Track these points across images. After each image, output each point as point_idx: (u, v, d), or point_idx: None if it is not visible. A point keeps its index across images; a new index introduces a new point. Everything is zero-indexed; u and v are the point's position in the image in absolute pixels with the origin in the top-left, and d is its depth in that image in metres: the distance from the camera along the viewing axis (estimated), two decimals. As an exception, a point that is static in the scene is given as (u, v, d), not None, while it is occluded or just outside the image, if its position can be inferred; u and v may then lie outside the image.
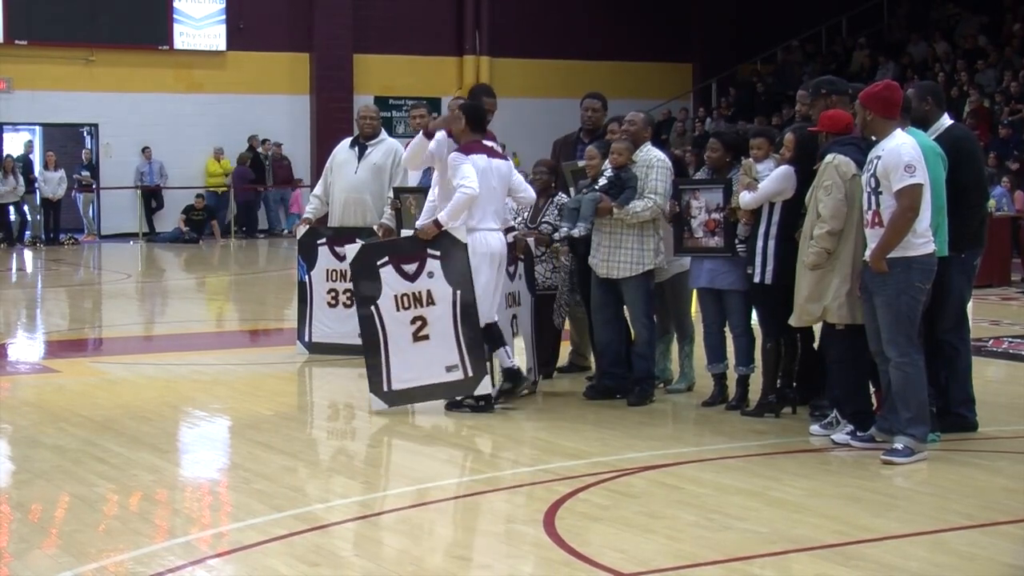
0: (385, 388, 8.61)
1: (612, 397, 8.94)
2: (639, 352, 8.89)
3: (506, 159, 8.87)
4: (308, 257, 10.95)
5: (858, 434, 7.51)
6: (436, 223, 8.47)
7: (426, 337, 8.50)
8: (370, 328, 8.63)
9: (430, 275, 8.48)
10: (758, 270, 8.13)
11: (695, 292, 8.98)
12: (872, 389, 7.74)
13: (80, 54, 25.91)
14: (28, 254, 23.76)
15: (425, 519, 6.28)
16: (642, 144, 8.88)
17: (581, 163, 9.53)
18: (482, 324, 8.47)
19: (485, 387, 8.49)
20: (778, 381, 8.37)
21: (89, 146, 26.70)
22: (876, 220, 7.16)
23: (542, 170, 9.75)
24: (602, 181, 8.82)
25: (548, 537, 5.81)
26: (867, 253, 7.22)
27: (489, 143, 8.89)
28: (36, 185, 25.27)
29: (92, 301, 16.99)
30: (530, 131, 25.58)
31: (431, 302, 8.48)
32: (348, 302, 10.60)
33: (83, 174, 26.11)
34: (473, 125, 8.71)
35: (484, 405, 8.57)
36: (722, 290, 8.54)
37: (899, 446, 7.14)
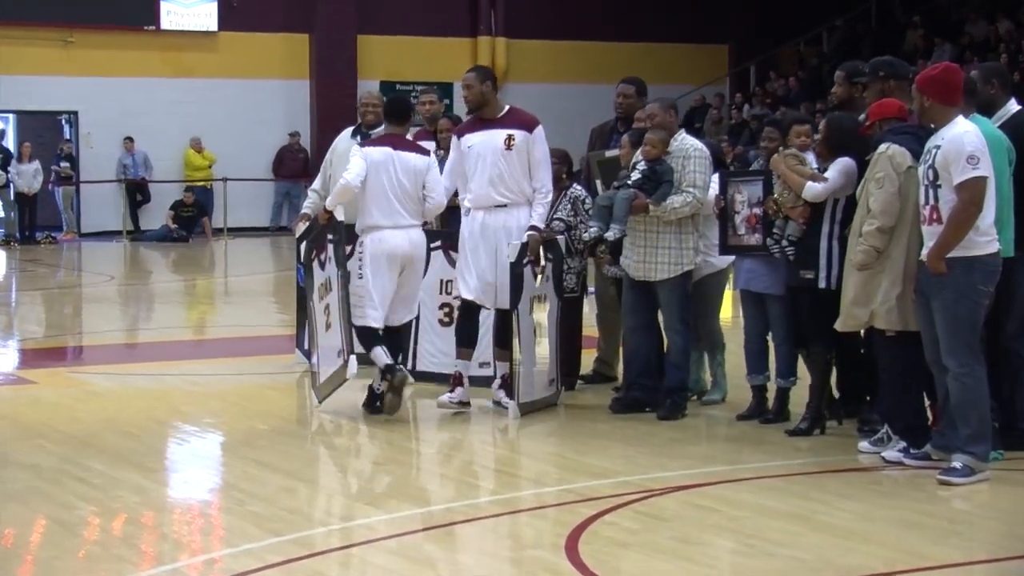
0: (316, 381, 9.16)
1: (641, 410, 8.92)
2: (672, 361, 8.87)
3: (426, 153, 9.14)
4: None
5: (912, 451, 7.48)
6: (325, 208, 9.01)
7: (330, 325, 8.95)
8: (311, 321, 9.32)
9: (329, 260, 8.96)
10: (823, 274, 8.04)
11: (734, 295, 8.97)
12: (927, 402, 7.71)
13: (58, 35, 25.98)
14: (0, 254, 23.82)
15: (436, 545, 6.29)
16: (674, 133, 8.85)
17: (609, 153, 9.50)
18: (360, 324, 8.78)
19: (352, 369, 8.74)
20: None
21: (68, 135, 26.75)
22: (934, 216, 7.12)
23: (552, 160, 9.72)
24: (635, 176, 8.76)
25: (571, 564, 5.79)
26: (924, 253, 7.19)
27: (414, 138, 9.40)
28: (9, 178, 25.28)
29: (72, 305, 17.04)
30: (549, 118, 25.36)
31: (331, 288, 8.94)
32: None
33: (62, 166, 26.12)
34: (389, 117, 9.22)
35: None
36: (763, 294, 8.51)
37: (958, 465, 7.11)
